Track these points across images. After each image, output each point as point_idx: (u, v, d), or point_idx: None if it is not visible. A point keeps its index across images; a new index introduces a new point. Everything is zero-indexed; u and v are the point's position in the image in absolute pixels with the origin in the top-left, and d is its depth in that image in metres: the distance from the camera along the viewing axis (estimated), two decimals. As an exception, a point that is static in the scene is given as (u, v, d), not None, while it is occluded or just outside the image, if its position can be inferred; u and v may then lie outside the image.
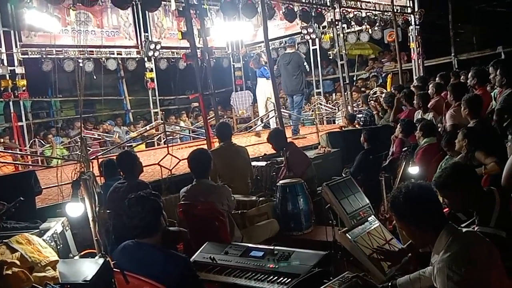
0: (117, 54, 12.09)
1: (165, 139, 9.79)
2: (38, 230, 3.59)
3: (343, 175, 4.82)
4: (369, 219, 3.65)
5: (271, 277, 2.98)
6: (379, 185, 4.18)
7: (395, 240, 3.52)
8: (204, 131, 7.53)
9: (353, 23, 12.28)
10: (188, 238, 4.00)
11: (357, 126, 8.22)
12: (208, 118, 7.23)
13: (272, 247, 3.24)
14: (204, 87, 6.80)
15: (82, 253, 3.39)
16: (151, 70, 12.75)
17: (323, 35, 12.90)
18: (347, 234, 3.42)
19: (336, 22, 10.98)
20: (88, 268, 2.80)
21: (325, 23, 12.32)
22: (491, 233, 2.48)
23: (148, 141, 11.32)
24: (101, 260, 2.87)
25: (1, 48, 10.13)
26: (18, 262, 2.70)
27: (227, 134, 5.60)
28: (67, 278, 2.72)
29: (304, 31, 12.69)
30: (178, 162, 6.31)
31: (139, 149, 10.02)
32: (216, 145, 5.81)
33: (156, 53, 12.36)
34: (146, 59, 12.48)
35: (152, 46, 12.15)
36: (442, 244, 2.19)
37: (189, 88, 14.65)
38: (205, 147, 6.22)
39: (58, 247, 3.50)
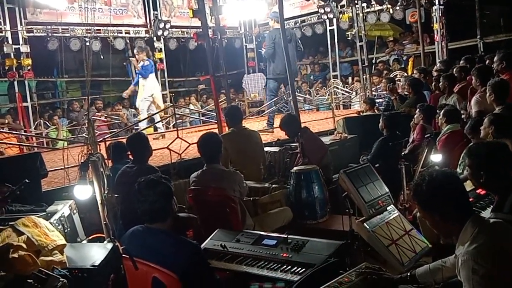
0: (125, 33, 11.98)
1: (174, 122, 9.70)
2: (44, 213, 3.57)
3: (361, 163, 4.71)
4: (388, 208, 3.57)
5: (284, 266, 2.93)
6: (398, 174, 4.08)
7: (415, 231, 3.46)
8: (214, 114, 7.40)
9: (373, 2, 11.87)
10: (198, 224, 3.96)
11: (376, 111, 8.00)
12: (219, 101, 7.11)
13: (285, 236, 3.18)
14: (215, 68, 6.65)
15: (90, 238, 3.36)
16: (160, 50, 12.59)
17: (341, 15, 12.50)
18: (364, 224, 3.36)
19: (356, 1, 10.68)
20: (97, 253, 2.84)
21: (343, 2, 12.03)
22: (505, 219, 2.37)
23: (156, 124, 11.23)
24: (109, 245, 2.89)
25: (6, 26, 10.04)
26: (24, 246, 2.75)
27: (237, 118, 5.49)
28: (75, 263, 2.74)
29: (321, 10, 12.39)
30: (188, 146, 6.25)
31: (147, 132, 9.93)
32: (227, 129, 5.70)
33: (166, 33, 12.24)
34: (155, 38, 12.35)
35: (162, 25, 12.04)
36: (467, 235, 2.11)
37: (200, 70, 14.48)
38: (216, 131, 6.12)
39: (66, 230, 3.50)
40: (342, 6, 12.42)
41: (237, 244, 3.23)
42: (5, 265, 2.47)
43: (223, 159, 4.36)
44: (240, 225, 3.85)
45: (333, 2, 11.71)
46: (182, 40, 12.91)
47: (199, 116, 11.60)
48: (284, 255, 3.00)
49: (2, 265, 2.47)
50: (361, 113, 8.61)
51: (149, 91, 9.03)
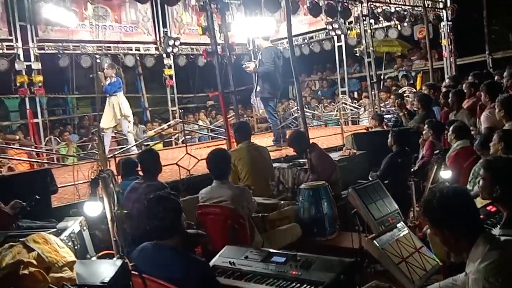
0: (135, 50, 12.04)
1: (183, 138, 9.71)
2: (55, 230, 3.52)
3: (370, 179, 4.67)
4: (398, 225, 3.50)
5: (294, 284, 2.88)
6: (408, 190, 4.03)
7: (425, 248, 3.39)
8: (223, 130, 7.39)
9: (381, 18, 11.85)
10: (207, 241, 3.93)
11: (385, 127, 7.93)
12: (228, 117, 7.10)
13: (294, 253, 3.13)
14: (224, 84, 6.67)
15: (99, 254, 3.33)
16: (170, 67, 12.64)
17: (349, 31, 12.52)
18: (374, 241, 3.28)
19: (363, 17, 10.66)
20: (106, 269, 2.77)
21: (351, 18, 12.01)
22: None
23: (165, 140, 11.26)
24: (119, 262, 2.82)
25: (18, 43, 10.08)
26: (35, 262, 2.68)
27: (246, 134, 5.47)
28: (85, 280, 2.68)
29: (329, 27, 12.35)
30: (197, 162, 6.22)
31: (156, 148, 9.96)
32: (236, 145, 5.68)
33: (175, 49, 12.27)
34: (164, 55, 12.40)
35: (171, 42, 12.06)
36: (478, 253, 2.07)
37: (208, 87, 14.54)
38: (225, 147, 6.11)
39: (75, 247, 3.44)
40: (350, 23, 12.41)
41: (246, 261, 3.18)
42: (16, 282, 2.45)
43: (232, 175, 4.36)
44: (248, 242, 3.81)
45: (341, 19, 11.67)
46: (191, 56, 12.95)
47: (208, 132, 11.60)
48: (293, 272, 2.94)
49: (13, 281, 2.47)
50: (369, 129, 8.52)
51: (119, 110, 8.80)
